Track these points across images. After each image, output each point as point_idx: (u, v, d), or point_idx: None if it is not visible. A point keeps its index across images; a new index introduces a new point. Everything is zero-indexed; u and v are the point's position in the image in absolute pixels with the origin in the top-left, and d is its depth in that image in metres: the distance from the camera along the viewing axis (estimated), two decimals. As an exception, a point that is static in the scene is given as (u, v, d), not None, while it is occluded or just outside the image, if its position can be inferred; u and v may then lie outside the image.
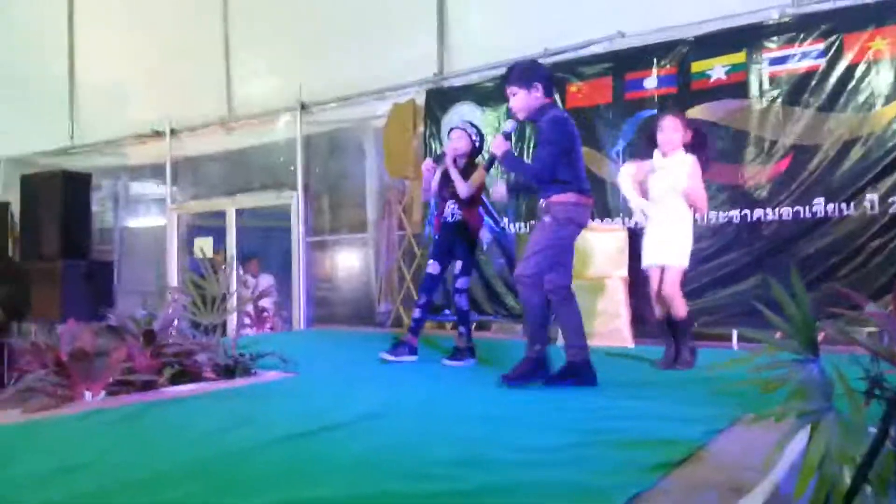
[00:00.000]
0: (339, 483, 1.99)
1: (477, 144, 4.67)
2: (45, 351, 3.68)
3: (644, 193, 4.21)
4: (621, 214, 5.67)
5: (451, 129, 4.76)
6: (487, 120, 6.54)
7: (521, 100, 3.58)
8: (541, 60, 6.28)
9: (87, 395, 3.47)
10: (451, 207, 4.61)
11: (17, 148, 9.83)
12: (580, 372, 3.52)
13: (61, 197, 7.97)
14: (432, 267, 4.63)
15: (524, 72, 3.61)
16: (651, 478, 1.92)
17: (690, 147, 4.13)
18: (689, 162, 4.06)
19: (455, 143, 4.61)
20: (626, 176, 4.29)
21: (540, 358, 3.54)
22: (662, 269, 4.09)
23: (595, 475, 1.96)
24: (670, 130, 4.10)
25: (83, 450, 2.47)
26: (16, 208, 8.57)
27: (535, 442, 2.34)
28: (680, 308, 4.04)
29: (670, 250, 4.05)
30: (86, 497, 1.94)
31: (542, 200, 3.61)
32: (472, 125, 4.76)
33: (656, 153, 4.16)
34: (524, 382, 3.48)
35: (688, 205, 4.07)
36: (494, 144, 3.59)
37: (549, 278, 3.52)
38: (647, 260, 4.17)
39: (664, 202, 4.08)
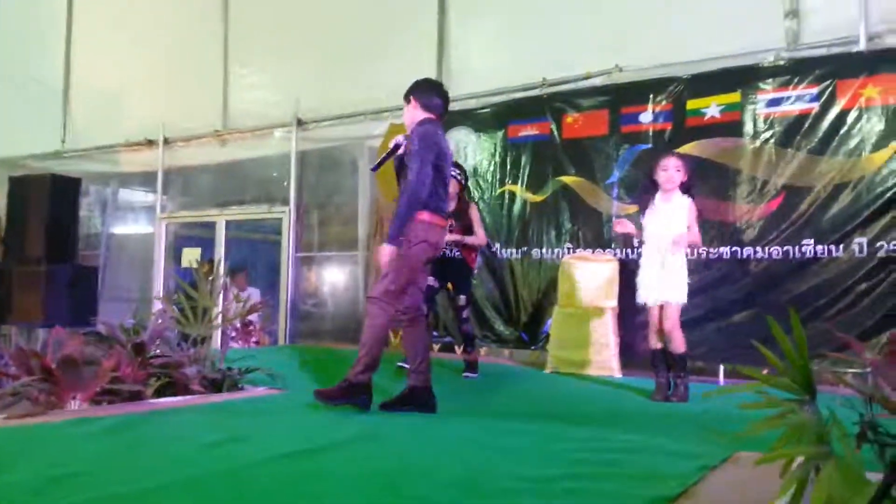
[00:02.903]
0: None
1: (464, 183, 5.11)
2: (31, 357, 3.63)
3: (641, 230, 4.30)
4: (612, 246, 5.72)
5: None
6: (484, 146, 6.59)
7: (405, 114, 3.79)
8: (539, 91, 6.41)
9: (74, 403, 3.43)
10: (449, 246, 4.87)
11: (8, 150, 9.74)
12: (420, 398, 3.54)
13: (49, 200, 7.88)
14: (432, 280, 4.71)
15: (409, 87, 3.78)
16: (647, 513, 1.92)
17: (685, 188, 4.25)
18: (688, 204, 4.20)
19: (455, 186, 4.78)
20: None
21: (362, 383, 3.45)
22: (661, 306, 4.15)
23: (589, 508, 1.97)
24: (673, 170, 4.21)
25: (73, 459, 2.44)
26: (1, 210, 8.46)
27: (531, 472, 2.33)
28: (679, 344, 4.13)
29: (670, 287, 4.13)
30: (77, 508, 1.91)
31: None
32: (456, 165, 4.92)
33: (658, 194, 4.25)
34: (336, 404, 3.41)
35: (685, 245, 4.17)
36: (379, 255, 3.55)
37: (400, 298, 3.54)
38: (647, 297, 4.21)
39: (662, 240, 4.15)
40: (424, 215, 3.51)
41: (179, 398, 3.71)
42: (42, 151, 9.70)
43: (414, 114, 3.72)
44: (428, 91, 3.77)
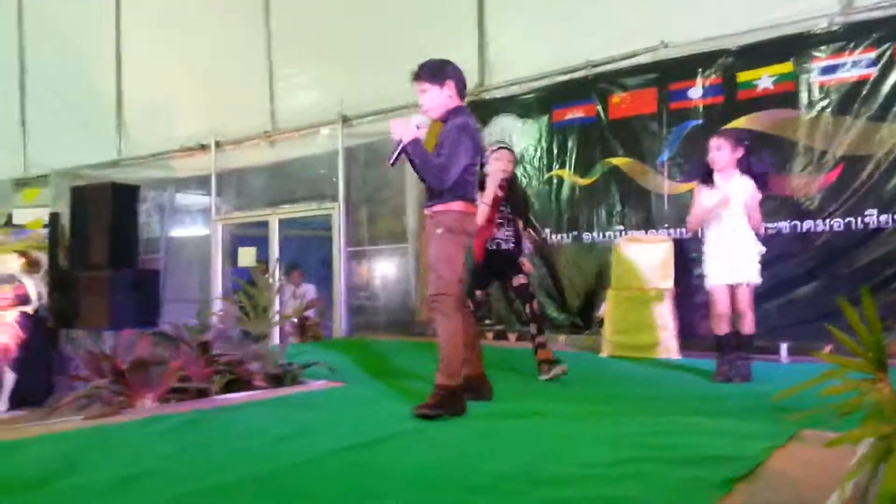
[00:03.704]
0: (402, 497, 2.02)
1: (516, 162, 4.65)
2: (102, 359, 3.78)
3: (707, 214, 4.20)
4: (666, 225, 5.63)
5: (495, 150, 4.42)
6: (529, 131, 6.55)
7: (433, 97, 3.30)
8: (583, 72, 6.33)
9: (145, 402, 3.56)
10: (504, 234, 4.42)
11: (67, 161, 10.11)
12: (473, 385, 3.47)
13: (110, 208, 8.18)
14: (480, 296, 4.48)
15: (437, 68, 3.33)
16: (714, 496, 1.90)
17: (744, 165, 4.20)
18: (750, 185, 4.13)
19: (504, 165, 4.36)
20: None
21: (451, 387, 3.20)
22: (732, 287, 4.08)
23: (658, 492, 1.96)
24: (714, 149, 4.17)
25: (148, 457, 2.54)
26: (65, 219, 8.80)
27: (593, 457, 2.33)
28: (751, 324, 4.08)
29: (743, 268, 4.07)
30: (158, 504, 1.99)
31: (427, 209, 3.34)
32: (505, 148, 4.58)
33: (715, 175, 4.17)
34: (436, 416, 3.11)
35: (749, 219, 4.11)
36: (401, 130, 3.21)
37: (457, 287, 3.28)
38: (718, 279, 4.13)
39: (728, 222, 4.09)
40: (459, 205, 3.25)
41: (244, 394, 3.82)
42: (99, 161, 10.03)
43: (446, 100, 3.30)
44: (460, 74, 3.39)
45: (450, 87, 3.30)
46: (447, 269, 3.23)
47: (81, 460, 2.49)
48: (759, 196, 4.14)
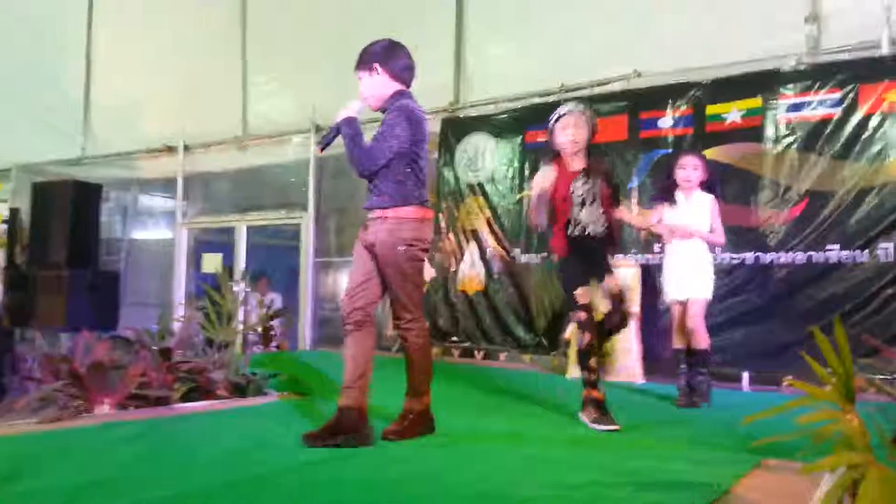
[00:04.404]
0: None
1: (596, 130, 3.66)
2: (60, 361, 3.68)
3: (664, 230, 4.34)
4: (634, 251, 5.70)
5: (560, 117, 3.59)
6: (502, 151, 6.60)
7: (366, 85, 3.09)
8: (556, 96, 6.41)
9: (103, 407, 3.47)
10: (591, 214, 3.54)
11: (30, 156, 9.86)
12: (352, 423, 2.87)
13: (71, 206, 8.00)
14: (580, 291, 3.45)
15: (365, 53, 3.11)
16: (680, 521, 1.92)
17: (706, 186, 4.31)
18: (710, 200, 4.27)
19: (574, 134, 3.54)
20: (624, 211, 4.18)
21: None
22: (685, 303, 4.18)
23: (623, 516, 1.97)
24: (691, 168, 4.28)
25: (102, 465, 2.47)
26: (25, 216, 8.58)
27: (558, 480, 2.34)
28: (703, 339, 4.15)
29: (695, 283, 4.17)
30: (115, 514, 1.94)
31: (377, 211, 2.98)
32: (584, 106, 3.68)
33: (678, 192, 4.27)
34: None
35: (709, 242, 4.25)
36: (343, 112, 3.03)
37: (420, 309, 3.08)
38: (671, 295, 4.26)
39: (685, 239, 4.21)
40: (412, 211, 2.95)
41: (206, 403, 3.75)
42: (63, 158, 9.81)
43: (380, 86, 3.06)
44: (396, 56, 3.10)
45: (380, 72, 3.05)
46: (416, 291, 3.03)
47: (33, 465, 2.42)
48: (717, 210, 4.27)
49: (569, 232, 3.55)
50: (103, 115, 9.86)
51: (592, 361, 3.41)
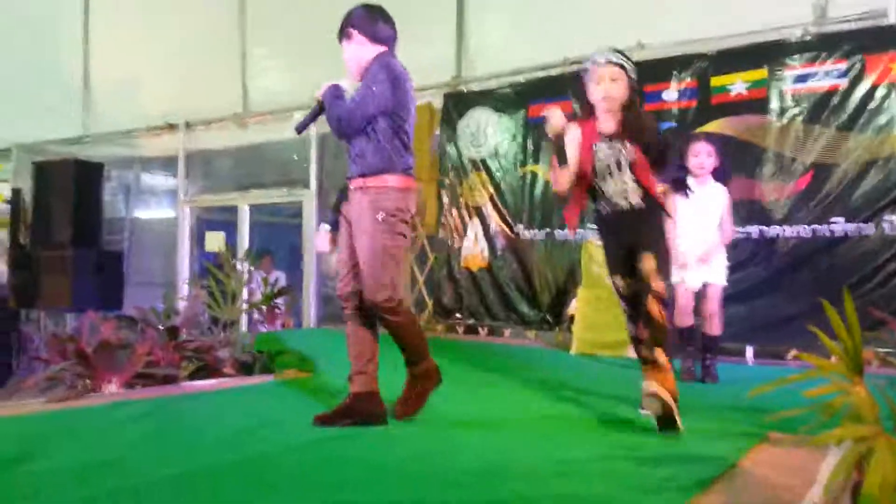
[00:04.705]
0: (373, 491, 2.01)
1: (636, 86, 3.04)
2: (67, 341, 3.70)
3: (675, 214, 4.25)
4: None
5: (595, 66, 2.98)
6: (505, 126, 6.55)
7: (346, 54, 2.99)
8: (560, 69, 6.35)
9: (110, 386, 3.49)
10: (617, 185, 2.97)
11: (30, 135, 9.82)
12: (366, 407, 2.86)
13: (73, 185, 8.00)
14: (619, 281, 3.00)
15: (343, 22, 3.00)
16: (687, 495, 1.93)
17: (718, 173, 4.24)
18: (724, 192, 4.18)
19: (609, 89, 2.94)
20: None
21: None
22: (700, 290, 4.13)
23: (628, 490, 1.98)
24: (704, 155, 4.17)
25: (114, 444, 2.50)
26: (27, 195, 8.57)
27: (565, 455, 2.35)
28: (719, 326, 4.13)
29: (712, 269, 4.12)
30: (124, 493, 1.95)
31: (357, 179, 2.83)
32: (621, 54, 3.03)
33: (690, 178, 4.20)
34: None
35: (721, 233, 4.17)
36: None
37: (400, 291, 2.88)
38: (684, 278, 4.15)
39: (699, 225, 4.14)
40: (395, 180, 2.81)
41: (212, 381, 3.77)
42: (64, 137, 9.77)
43: (361, 51, 2.93)
44: (372, 18, 2.97)
45: (357, 36, 2.94)
46: (396, 268, 2.82)
47: (43, 445, 2.44)
48: (729, 202, 4.21)
49: (599, 209, 3.10)
50: (103, 93, 9.79)
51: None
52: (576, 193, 3.07)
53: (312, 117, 2.93)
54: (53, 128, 9.75)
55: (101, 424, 2.81)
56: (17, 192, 8.53)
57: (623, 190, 2.97)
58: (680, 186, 4.04)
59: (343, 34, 2.99)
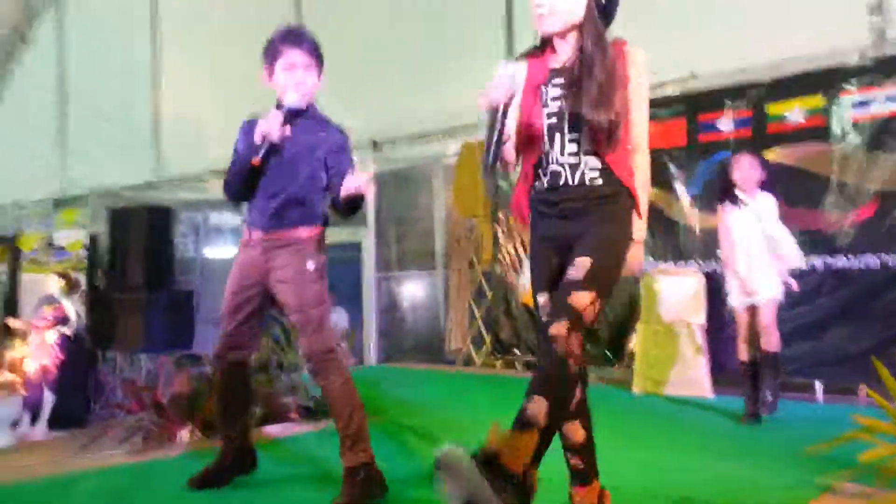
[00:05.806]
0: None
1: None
2: (143, 390, 3.90)
3: (728, 233, 4.25)
4: (695, 257, 5.62)
5: None
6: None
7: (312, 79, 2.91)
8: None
9: (183, 434, 3.66)
10: (570, 147, 2.03)
11: (105, 181, 10.33)
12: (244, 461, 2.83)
13: (146, 230, 8.40)
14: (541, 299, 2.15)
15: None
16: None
17: (766, 186, 4.27)
18: (773, 203, 4.22)
19: None
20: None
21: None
22: (754, 308, 4.12)
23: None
24: (748, 168, 4.21)
25: (195, 497, 2.62)
26: (103, 240, 9.01)
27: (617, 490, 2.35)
28: (774, 342, 4.10)
29: (763, 285, 4.11)
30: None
31: (283, 231, 2.73)
32: None
33: (738, 192, 4.21)
34: None
35: (777, 244, 4.15)
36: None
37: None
38: (738, 300, 4.17)
39: (751, 240, 4.14)
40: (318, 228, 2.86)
41: (279, 427, 3.90)
42: (135, 182, 10.25)
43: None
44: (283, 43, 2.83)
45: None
46: (328, 316, 2.82)
47: (133, 498, 2.59)
48: (777, 212, 4.21)
49: (536, 183, 2.10)
50: (172, 137, 10.24)
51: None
52: (525, 169, 2.11)
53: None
54: (126, 172, 10.23)
55: (182, 475, 2.93)
56: (93, 239, 9.00)
57: (574, 158, 2.00)
58: (729, 198, 4.19)
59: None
